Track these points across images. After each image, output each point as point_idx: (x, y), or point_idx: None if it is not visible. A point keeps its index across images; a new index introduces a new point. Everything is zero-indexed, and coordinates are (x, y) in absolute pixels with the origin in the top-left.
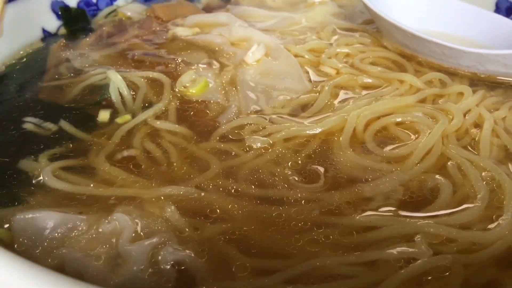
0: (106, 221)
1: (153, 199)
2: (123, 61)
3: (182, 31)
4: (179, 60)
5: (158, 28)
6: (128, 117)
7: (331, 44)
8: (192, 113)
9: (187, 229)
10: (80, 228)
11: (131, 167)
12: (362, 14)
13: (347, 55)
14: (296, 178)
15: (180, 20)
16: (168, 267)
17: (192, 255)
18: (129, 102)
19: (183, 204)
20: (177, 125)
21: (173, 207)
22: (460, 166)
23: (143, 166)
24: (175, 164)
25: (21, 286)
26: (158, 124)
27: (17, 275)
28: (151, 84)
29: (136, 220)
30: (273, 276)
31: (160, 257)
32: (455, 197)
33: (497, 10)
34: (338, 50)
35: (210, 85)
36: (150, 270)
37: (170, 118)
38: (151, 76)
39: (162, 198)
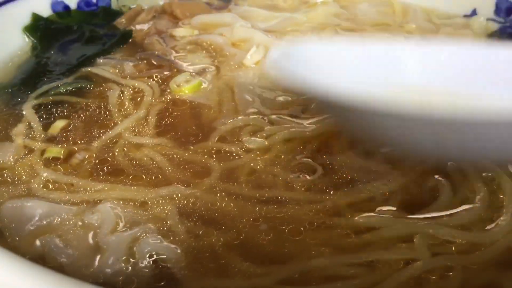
0: (91, 212)
1: (148, 200)
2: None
3: (182, 32)
4: (178, 61)
5: (170, 26)
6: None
7: None
8: (187, 116)
9: (180, 228)
10: (65, 219)
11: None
12: (364, 15)
13: None
14: (296, 179)
15: (186, 20)
16: (146, 259)
17: (173, 248)
18: None
19: (178, 206)
20: (151, 138)
21: (169, 207)
22: (460, 166)
23: (130, 177)
24: (167, 170)
25: (21, 286)
26: (131, 138)
27: (17, 275)
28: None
29: (120, 212)
30: (268, 277)
31: (138, 249)
32: (455, 198)
33: (497, 10)
34: None
35: (204, 85)
36: (127, 260)
37: (150, 128)
38: (136, 84)
39: (157, 199)
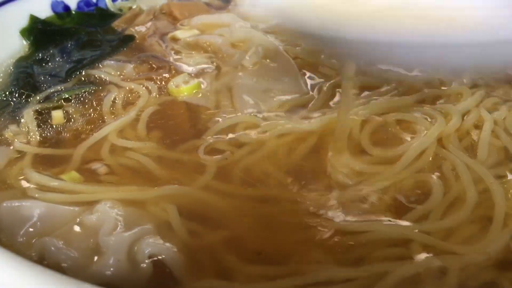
0: (90, 212)
1: (146, 200)
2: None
3: (182, 34)
4: (177, 62)
5: (169, 27)
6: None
7: None
8: (184, 116)
9: (180, 228)
10: (64, 219)
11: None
12: None
13: None
14: (289, 178)
15: (186, 21)
16: (146, 259)
17: (173, 249)
18: None
19: (177, 205)
20: (143, 139)
21: (168, 207)
22: (455, 168)
23: (126, 178)
24: (161, 170)
25: (21, 286)
26: (122, 141)
27: (17, 275)
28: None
29: (119, 212)
30: (270, 283)
31: (139, 250)
32: (446, 199)
33: None
34: None
35: (203, 86)
36: (127, 262)
37: (143, 129)
38: (134, 87)
39: (155, 198)
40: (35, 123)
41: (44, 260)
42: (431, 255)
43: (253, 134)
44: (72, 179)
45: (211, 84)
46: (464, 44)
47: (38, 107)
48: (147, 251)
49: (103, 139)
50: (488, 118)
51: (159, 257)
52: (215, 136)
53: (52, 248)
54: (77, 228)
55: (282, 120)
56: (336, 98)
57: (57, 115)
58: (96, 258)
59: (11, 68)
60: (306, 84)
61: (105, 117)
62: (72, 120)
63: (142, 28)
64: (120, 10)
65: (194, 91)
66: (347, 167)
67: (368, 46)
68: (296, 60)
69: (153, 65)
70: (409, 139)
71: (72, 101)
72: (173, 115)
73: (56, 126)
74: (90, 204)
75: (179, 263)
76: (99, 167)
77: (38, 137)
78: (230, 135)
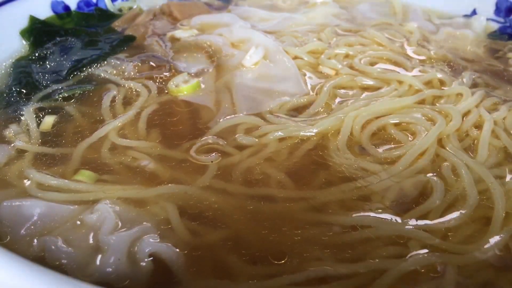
0: (90, 211)
1: (146, 199)
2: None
3: (181, 34)
4: (177, 62)
5: (169, 27)
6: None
7: (330, 45)
8: (183, 116)
9: (179, 227)
10: (65, 218)
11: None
12: (363, 15)
13: (347, 55)
14: (290, 178)
15: (185, 21)
16: (146, 258)
17: (173, 248)
18: None
19: (177, 204)
20: (142, 138)
21: (168, 206)
22: (455, 168)
23: (126, 176)
24: (161, 169)
25: (21, 286)
26: (121, 140)
27: (17, 275)
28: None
29: (119, 211)
30: (270, 281)
31: (139, 249)
32: (446, 199)
33: (497, 10)
34: (337, 51)
35: (203, 85)
36: (128, 260)
37: (142, 128)
38: (133, 85)
39: (156, 198)
40: (35, 122)
41: (45, 259)
42: (430, 253)
43: (253, 135)
44: (88, 178)
45: (211, 83)
46: None
47: (38, 106)
48: (147, 250)
49: (103, 138)
50: (488, 118)
51: (159, 256)
52: (215, 136)
53: (53, 247)
54: (77, 227)
55: (283, 122)
56: (337, 99)
57: (47, 121)
58: (96, 257)
59: (11, 67)
60: (306, 84)
61: (105, 116)
62: (72, 119)
63: (142, 28)
64: (120, 10)
65: (194, 91)
66: (348, 167)
67: None
68: (296, 60)
69: (153, 65)
70: (409, 139)
71: (72, 100)
72: (173, 114)
73: (55, 125)
74: (91, 203)
75: (179, 262)
76: (147, 164)
77: (38, 136)
78: (231, 136)
